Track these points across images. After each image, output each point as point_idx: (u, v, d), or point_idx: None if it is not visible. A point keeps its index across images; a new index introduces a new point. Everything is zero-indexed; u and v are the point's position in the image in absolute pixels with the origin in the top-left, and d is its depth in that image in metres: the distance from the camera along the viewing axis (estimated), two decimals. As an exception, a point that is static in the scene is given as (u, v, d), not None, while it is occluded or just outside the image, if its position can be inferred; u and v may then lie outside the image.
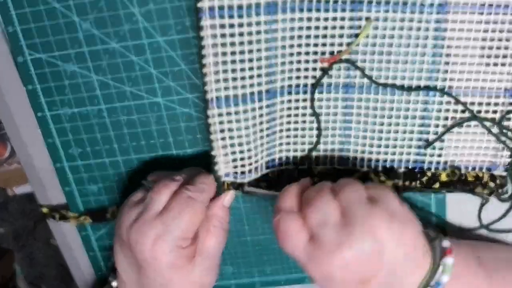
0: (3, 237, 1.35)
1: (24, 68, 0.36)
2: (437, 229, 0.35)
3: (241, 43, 0.31)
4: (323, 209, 0.31)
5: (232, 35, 0.31)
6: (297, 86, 0.35)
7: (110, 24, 0.35)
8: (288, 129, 0.36)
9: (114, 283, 0.39)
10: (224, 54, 0.31)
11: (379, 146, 0.36)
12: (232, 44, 0.31)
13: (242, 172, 0.36)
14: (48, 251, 1.35)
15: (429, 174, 0.37)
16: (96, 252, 0.44)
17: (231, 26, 0.31)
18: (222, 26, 0.31)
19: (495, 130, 0.35)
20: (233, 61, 0.32)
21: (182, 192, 0.34)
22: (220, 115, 0.33)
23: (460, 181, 0.36)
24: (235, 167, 0.35)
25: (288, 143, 0.37)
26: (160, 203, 0.34)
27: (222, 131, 0.34)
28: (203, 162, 0.39)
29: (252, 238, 0.43)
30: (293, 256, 0.32)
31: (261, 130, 0.35)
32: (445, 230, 0.40)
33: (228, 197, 0.36)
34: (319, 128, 0.36)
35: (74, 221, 0.42)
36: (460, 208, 0.39)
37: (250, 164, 0.35)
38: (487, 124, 0.34)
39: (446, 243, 0.33)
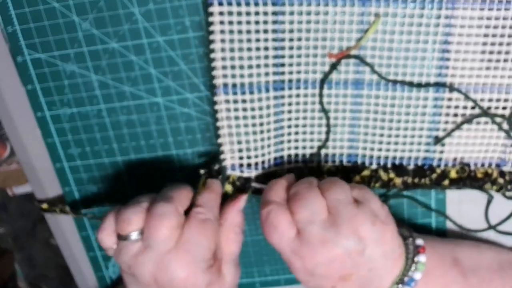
0: (2, 238, 1.35)
1: (24, 68, 0.36)
2: (410, 228, 0.36)
3: (248, 32, 0.32)
4: (312, 206, 0.31)
5: (239, 22, 0.32)
6: (306, 81, 0.35)
7: (110, 23, 0.35)
8: (297, 125, 0.36)
9: None
10: (231, 41, 0.32)
11: (388, 143, 0.36)
12: (240, 32, 0.32)
13: (249, 165, 0.36)
14: (48, 251, 1.35)
15: (438, 171, 0.37)
16: (96, 252, 0.44)
17: (239, 14, 0.32)
18: (230, 13, 0.32)
19: (505, 126, 0.35)
20: (240, 49, 0.32)
21: (195, 217, 0.33)
22: (227, 101, 0.34)
23: (470, 177, 0.37)
24: (241, 158, 0.35)
25: (296, 140, 0.37)
26: (167, 242, 0.31)
27: (228, 118, 0.34)
28: (203, 162, 0.39)
29: (252, 239, 0.43)
30: (276, 248, 0.33)
31: (268, 123, 0.35)
32: (445, 230, 0.40)
33: (242, 202, 0.36)
34: (328, 125, 0.36)
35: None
36: (460, 208, 0.39)
37: (257, 156, 0.35)
38: (497, 120, 0.34)
39: (419, 241, 0.34)
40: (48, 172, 0.41)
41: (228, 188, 0.37)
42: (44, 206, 0.41)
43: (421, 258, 0.33)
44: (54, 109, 0.38)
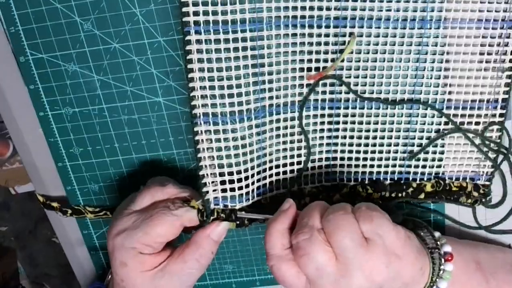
0: (4, 236, 1.35)
1: (26, 68, 0.37)
2: (434, 233, 0.35)
3: (228, 59, 0.31)
4: (316, 261, 0.29)
5: (218, 50, 0.31)
6: (285, 104, 0.34)
7: (111, 24, 0.35)
8: (278, 151, 0.36)
9: (109, 276, 0.40)
10: (210, 70, 0.31)
11: (365, 159, 0.37)
12: (218, 60, 0.31)
13: (232, 197, 0.34)
14: (49, 250, 1.35)
15: (414, 185, 0.37)
16: (98, 251, 0.44)
17: (217, 41, 0.31)
18: (208, 41, 0.30)
19: (477, 141, 0.35)
20: (220, 78, 0.31)
21: (165, 203, 0.34)
22: (207, 132, 0.32)
23: (445, 191, 0.37)
24: (224, 190, 0.34)
25: (277, 166, 0.36)
26: (138, 205, 0.35)
27: (209, 149, 0.33)
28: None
29: (252, 237, 0.43)
30: None
31: (251, 152, 0.34)
32: (443, 227, 0.41)
33: (218, 229, 0.34)
34: (308, 147, 0.36)
35: (91, 216, 0.41)
36: (459, 208, 0.39)
37: (241, 188, 0.34)
38: (470, 135, 0.35)
39: (447, 248, 0.33)
40: (50, 171, 0.41)
41: (232, 225, 0.36)
42: (55, 204, 0.41)
43: (448, 267, 0.32)
44: (56, 108, 0.38)
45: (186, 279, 0.34)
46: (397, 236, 0.30)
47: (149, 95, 0.37)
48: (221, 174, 0.34)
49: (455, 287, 0.33)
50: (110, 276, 0.39)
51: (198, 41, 0.30)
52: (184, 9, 0.30)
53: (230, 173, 0.34)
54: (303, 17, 0.32)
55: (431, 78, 0.34)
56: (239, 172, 0.34)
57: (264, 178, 0.36)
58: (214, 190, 0.34)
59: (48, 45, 0.36)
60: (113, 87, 0.37)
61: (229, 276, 0.45)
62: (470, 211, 0.39)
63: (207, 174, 0.34)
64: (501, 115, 0.35)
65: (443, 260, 0.33)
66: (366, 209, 0.30)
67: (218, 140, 0.33)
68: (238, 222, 0.35)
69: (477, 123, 0.35)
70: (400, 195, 0.37)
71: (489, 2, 0.32)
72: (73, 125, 0.39)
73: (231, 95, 0.32)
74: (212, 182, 0.34)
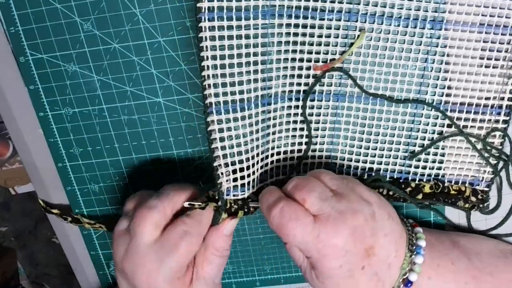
0: (5, 236, 1.36)
1: (26, 68, 0.37)
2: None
3: (239, 46, 0.31)
4: (317, 188, 0.32)
5: (230, 37, 0.31)
6: (290, 92, 0.35)
7: (111, 24, 0.35)
8: (280, 138, 0.36)
9: None
10: (222, 57, 0.31)
11: (366, 155, 0.37)
12: (230, 46, 0.31)
13: (242, 185, 0.35)
14: (49, 250, 1.35)
15: (413, 185, 0.37)
16: (98, 251, 0.45)
17: (230, 28, 0.31)
18: (221, 28, 0.31)
19: (479, 146, 0.35)
20: (231, 65, 0.32)
21: (178, 225, 0.34)
22: (219, 122, 0.33)
23: (443, 193, 0.37)
24: (235, 179, 0.35)
25: (279, 153, 0.37)
26: (145, 235, 0.33)
27: (222, 139, 0.33)
28: (203, 162, 0.39)
29: (252, 238, 0.43)
30: (301, 242, 0.32)
31: (257, 139, 0.35)
32: (443, 225, 0.41)
33: (229, 226, 0.36)
34: (309, 136, 0.37)
35: (88, 226, 0.42)
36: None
37: (249, 175, 0.35)
38: (472, 139, 0.35)
39: (410, 220, 0.37)
40: (50, 171, 0.41)
41: (241, 214, 0.37)
42: (55, 211, 0.42)
43: (418, 229, 0.35)
44: (56, 109, 0.38)
45: (216, 276, 0.37)
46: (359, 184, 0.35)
47: (149, 95, 0.37)
48: (232, 163, 0.34)
49: (434, 252, 0.34)
50: None
51: (211, 28, 0.31)
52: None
53: (240, 161, 0.34)
54: (314, 8, 0.32)
55: (437, 79, 0.34)
56: (248, 160, 0.35)
57: (266, 164, 0.37)
58: (227, 181, 0.35)
59: (48, 45, 0.36)
60: (113, 87, 0.37)
61: (229, 277, 0.45)
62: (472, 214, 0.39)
63: (220, 165, 0.34)
64: (504, 121, 0.35)
65: (409, 224, 0.35)
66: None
67: (229, 129, 0.33)
68: (245, 210, 0.37)
69: (480, 128, 0.35)
70: (397, 193, 0.37)
71: (501, 8, 0.31)
72: (73, 126, 0.39)
73: (241, 83, 0.32)
74: (225, 172, 0.35)
